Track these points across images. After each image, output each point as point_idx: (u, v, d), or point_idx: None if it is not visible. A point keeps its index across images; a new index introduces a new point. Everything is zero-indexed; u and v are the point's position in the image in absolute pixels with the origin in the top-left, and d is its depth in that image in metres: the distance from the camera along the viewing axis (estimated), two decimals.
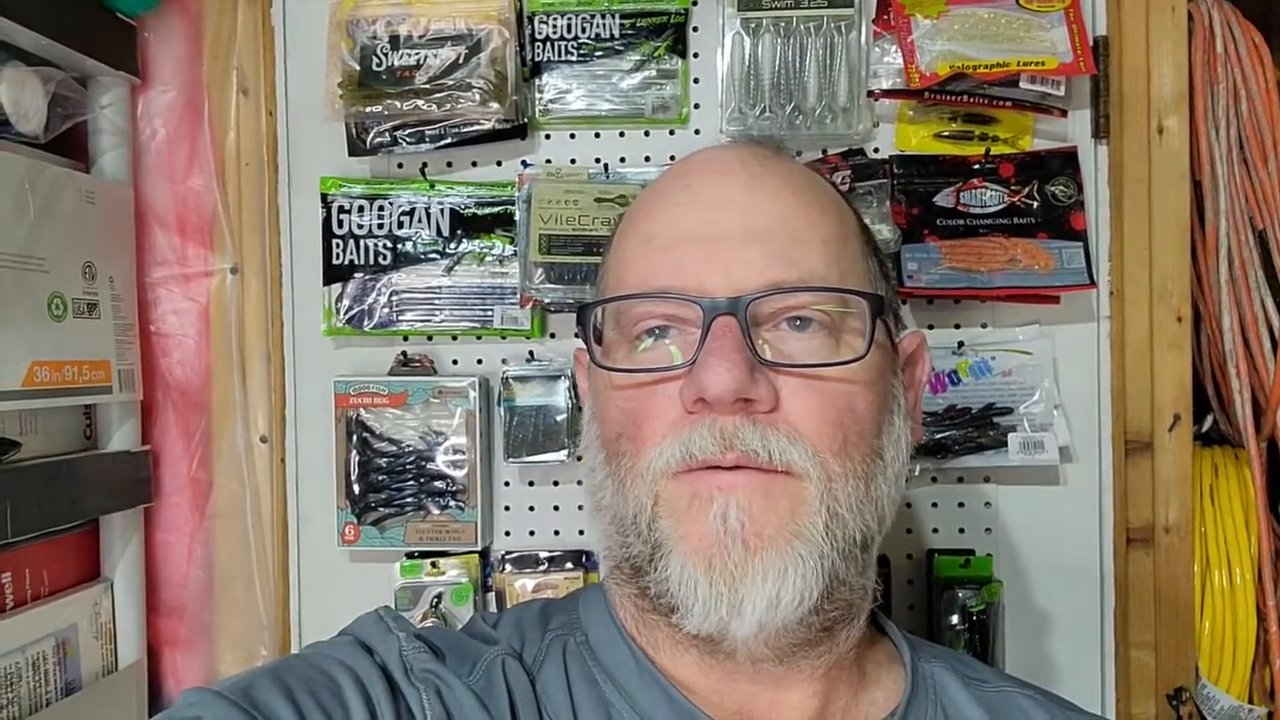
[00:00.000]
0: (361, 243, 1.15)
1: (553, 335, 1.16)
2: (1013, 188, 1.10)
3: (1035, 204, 1.10)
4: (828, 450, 0.59)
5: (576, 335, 1.14)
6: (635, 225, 0.67)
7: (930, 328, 1.14)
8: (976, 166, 1.11)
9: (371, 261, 1.15)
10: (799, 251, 0.61)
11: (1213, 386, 1.21)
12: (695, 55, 1.15)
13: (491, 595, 1.15)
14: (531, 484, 1.17)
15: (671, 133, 1.16)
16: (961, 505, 1.15)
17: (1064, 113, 1.12)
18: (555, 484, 1.16)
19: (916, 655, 0.71)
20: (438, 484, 1.13)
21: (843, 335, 0.62)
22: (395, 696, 0.60)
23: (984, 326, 1.14)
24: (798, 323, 0.61)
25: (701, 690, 0.64)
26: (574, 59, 1.15)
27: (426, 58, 1.12)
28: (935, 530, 1.15)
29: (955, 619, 1.09)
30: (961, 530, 1.15)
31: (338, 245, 1.15)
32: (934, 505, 1.15)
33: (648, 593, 0.62)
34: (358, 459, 1.13)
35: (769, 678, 0.63)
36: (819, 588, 0.58)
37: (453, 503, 1.13)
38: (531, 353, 1.15)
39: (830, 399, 0.60)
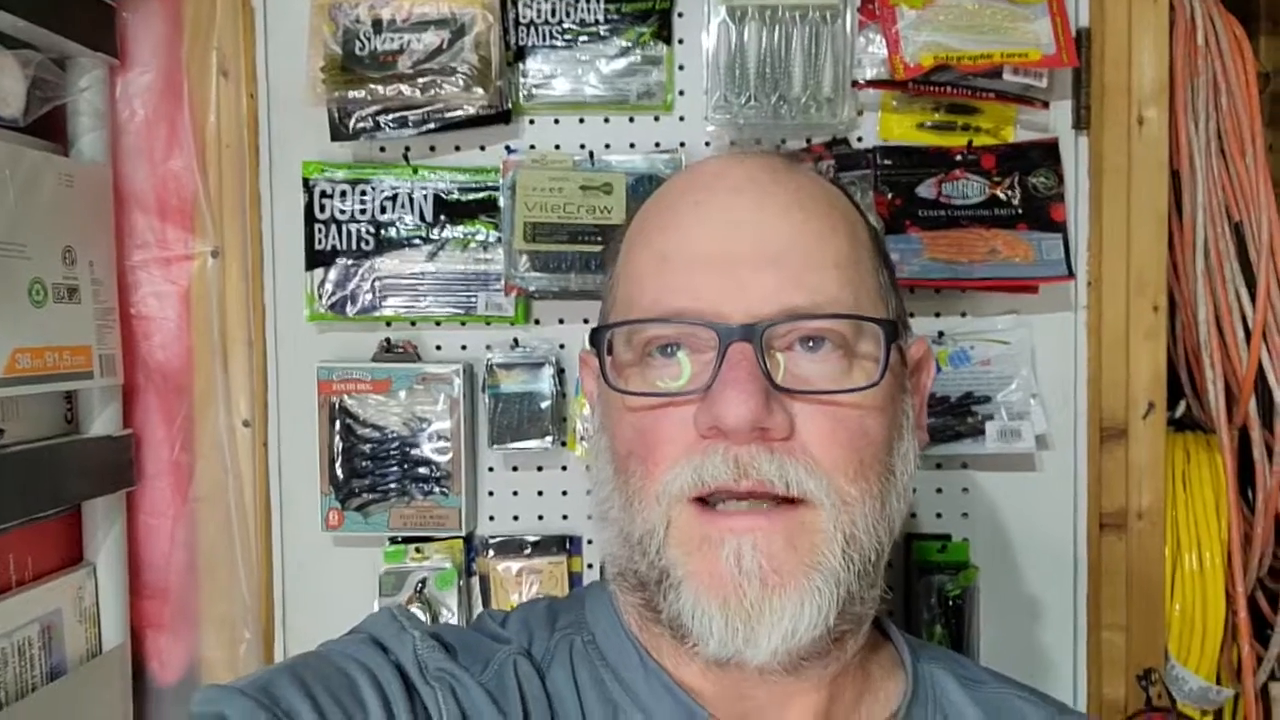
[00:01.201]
0: (344, 227, 1.15)
1: (537, 321, 1.17)
2: (994, 179, 1.11)
3: (1016, 195, 1.11)
4: (843, 476, 0.59)
5: (561, 322, 1.16)
6: (648, 240, 0.66)
7: (911, 316, 1.14)
8: (959, 158, 1.12)
9: (354, 247, 1.15)
10: (812, 275, 0.61)
11: (1186, 374, 1.23)
12: (680, 41, 1.15)
13: (475, 580, 1.16)
14: (515, 469, 1.17)
15: (656, 119, 1.15)
16: (939, 491, 1.16)
17: (1046, 104, 1.12)
18: (539, 470, 1.17)
19: (916, 657, 0.72)
20: (422, 470, 1.14)
21: (856, 356, 0.62)
22: (411, 695, 0.61)
23: (963, 316, 1.15)
24: (811, 343, 0.61)
25: (707, 693, 0.65)
26: (558, 44, 1.14)
27: (410, 42, 1.11)
28: (913, 515, 1.17)
29: (933, 602, 1.11)
30: (939, 516, 1.17)
31: (320, 230, 1.15)
32: (912, 491, 1.16)
33: (655, 609, 0.63)
34: (341, 445, 1.13)
35: (776, 687, 0.64)
36: (835, 612, 0.59)
37: (437, 488, 1.13)
38: (516, 339, 1.15)
39: (844, 424, 0.60)
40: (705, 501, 0.60)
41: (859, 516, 0.60)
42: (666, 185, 0.71)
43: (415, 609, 1.12)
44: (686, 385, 0.61)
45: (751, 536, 0.58)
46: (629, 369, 0.65)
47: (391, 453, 1.13)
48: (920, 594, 1.12)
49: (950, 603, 1.11)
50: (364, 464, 1.13)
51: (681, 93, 1.15)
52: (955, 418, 1.12)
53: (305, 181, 1.15)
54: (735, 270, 0.61)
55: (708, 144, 1.15)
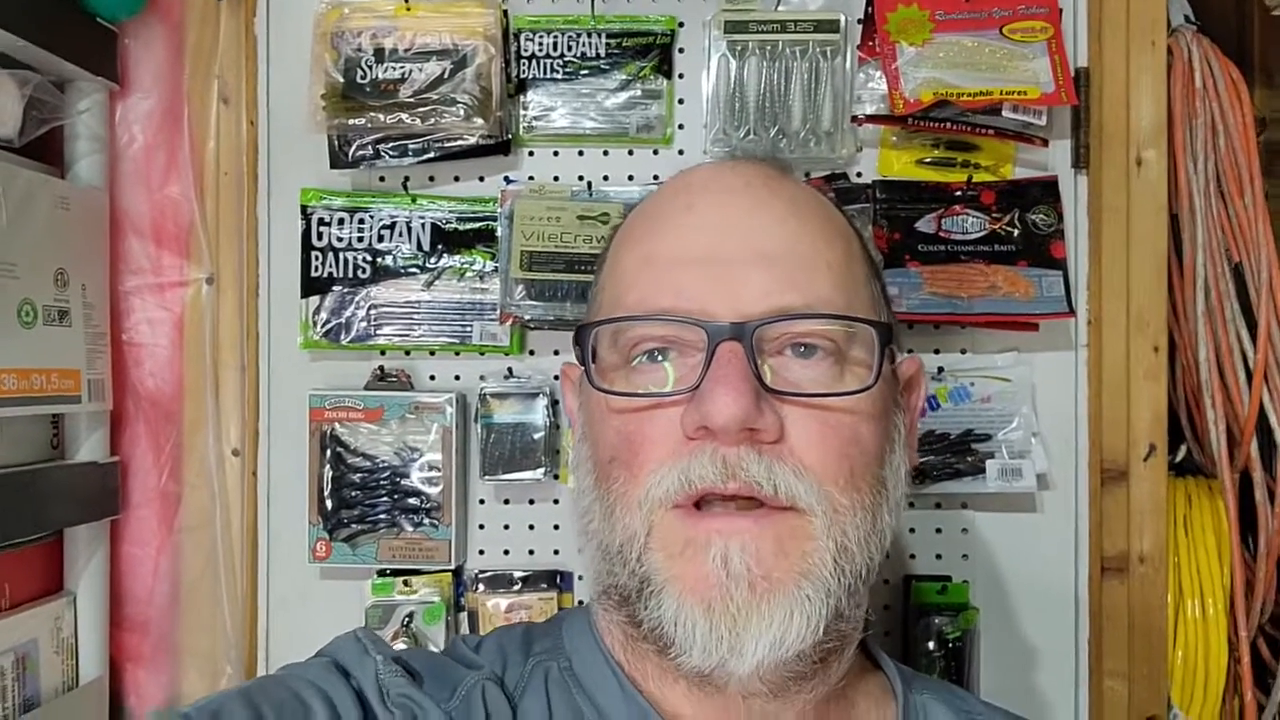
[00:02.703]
0: (341, 255, 1.14)
1: (532, 352, 1.15)
2: (994, 215, 1.11)
3: (1016, 231, 1.11)
4: (833, 484, 0.58)
5: (556, 353, 1.14)
6: (635, 243, 0.65)
7: (910, 352, 1.14)
8: (958, 193, 1.12)
9: (350, 275, 1.14)
10: (805, 276, 0.60)
11: (1186, 417, 1.22)
12: (681, 76, 1.15)
13: (464, 615, 1.14)
14: (507, 502, 1.15)
15: (655, 152, 1.16)
16: (939, 531, 1.14)
17: (1045, 142, 1.13)
18: (531, 502, 1.15)
19: (908, 686, 0.70)
20: (412, 501, 1.12)
21: (847, 363, 0.61)
22: None
23: (963, 352, 1.14)
24: (803, 349, 0.60)
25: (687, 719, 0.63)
26: (559, 77, 1.14)
27: (411, 71, 1.11)
28: (912, 556, 1.15)
29: (932, 645, 1.09)
30: (939, 556, 1.15)
31: (316, 258, 1.14)
32: (911, 531, 1.14)
33: (638, 624, 0.60)
34: (331, 474, 1.12)
35: (759, 713, 0.62)
36: (823, 625, 0.57)
37: (427, 520, 1.11)
38: (510, 369, 1.14)
39: (836, 429, 0.59)
40: (691, 508, 0.58)
41: (850, 527, 0.58)
42: (656, 191, 0.70)
43: (401, 643, 1.09)
44: (673, 387, 0.60)
45: (740, 539, 0.56)
46: (613, 373, 0.63)
47: (381, 483, 1.12)
48: (919, 636, 1.10)
49: (950, 645, 1.09)
50: (353, 494, 1.12)
51: (681, 126, 1.15)
52: (955, 455, 1.10)
53: (303, 209, 1.14)
54: (726, 270, 0.60)
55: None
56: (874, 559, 0.60)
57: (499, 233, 1.13)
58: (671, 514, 0.58)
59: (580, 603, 1.15)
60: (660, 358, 0.61)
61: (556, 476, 1.13)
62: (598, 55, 1.14)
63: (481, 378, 1.14)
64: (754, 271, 0.60)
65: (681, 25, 1.15)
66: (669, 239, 0.63)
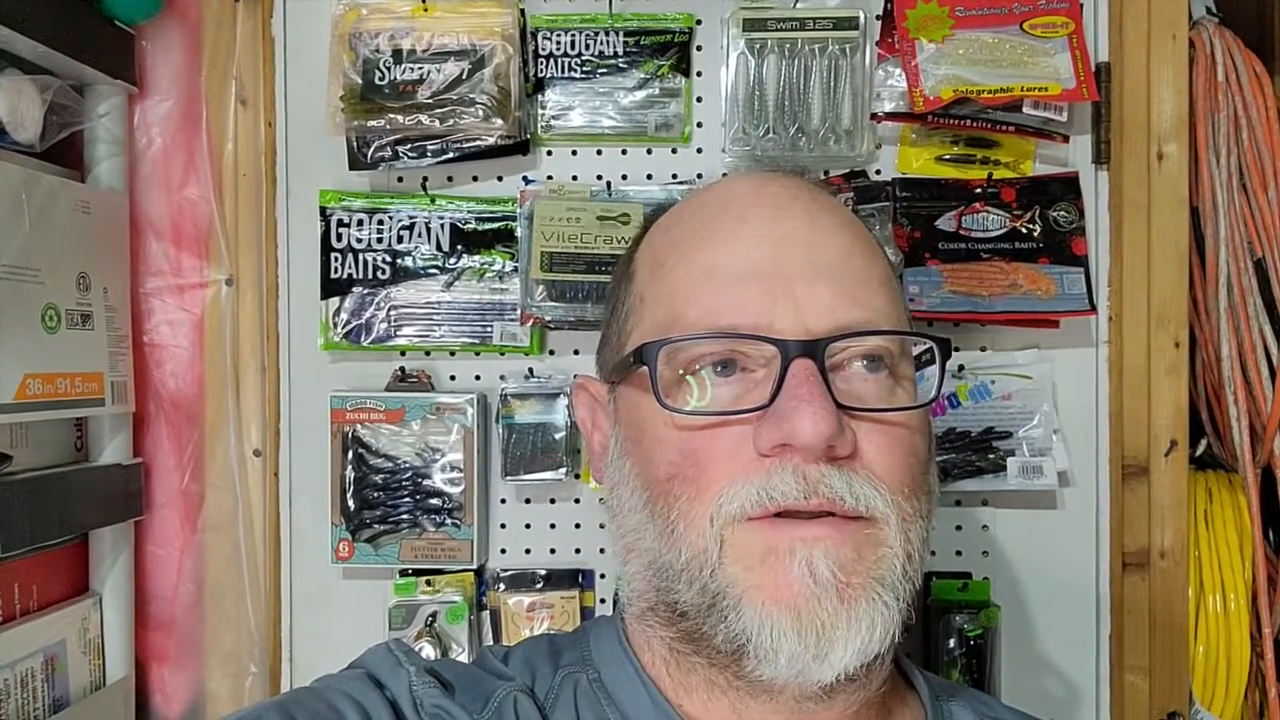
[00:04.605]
0: (360, 256, 1.14)
1: (552, 352, 1.16)
2: (1014, 212, 1.10)
3: (1037, 229, 1.10)
4: (900, 493, 0.58)
5: (576, 353, 1.15)
6: (687, 255, 0.64)
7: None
8: (978, 190, 1.11)
9: (370, 276, 1.14)
10: (864, 291, 0.61)
11: (1207, 412, 1.22)
12: (699, 74, 1.15)
13: (486, 614, 1.14)
14: (528, 501, 1.16)
15: (674, 151, 1.15)
16: (959, 528, 1.15)
17: (1066, 138, 1.12)
18: (552, 502, 1.16)
19: (936, 694, 0.70)
20: (434, 501, 1.12)
21: (899, 376, 0.62)
22: None
23: (983, 350, 1.14)
24: (868, 363, 0.61)
25: None
26: (577, 76, 1.14)
27: (430, 72, 1.11)
28: (933, 553, 1.15)
29: (952, 643, 1.09)
30: (959, 554, 1.15)
31: (336, 259, 1.14)
32: (931, 528, 1.14)
33: (696, 639, 0.60)
34: (353, 475, 1.12)
35: (800, 719, 0.61)
36: (898, 631, 0.57)
37: (449, 520, 1.12)
38: (531, 370, 1.14)
39: (899, 442, 0.59)
40: (770, 518, 0.57)
41: (914, 534, 0.59)
42: (692, 202, 0.69)
43: (425, 643, 1.10)
44: (739, 404, 0.59)
45: (823, 546, 0.56)
46: (671, 388, 0.62)
47: (403, 483, 1.12)
48: (939, 634, 1.10)
49: (970, 643, 1.09)
50: (375, 495, 1.12)
51: (700, 125, 1.15)
52: (976, 453, 1.10)
53: (322, 210, 1.15)
54: (789, 285, 0.60)
55: (724, 175, 1.14)
56: (923, 566, 0.61)
57: (518, 233, 1.13)
58: (746, 526, 0.57)
59: (602, 601, 1.15)
60: (724, 373, 0.61)
61: (578, 476, 1.13)
62: (615, 54, 1.14)
63: (502, 378, 1.14)
64: (816, 287, 0.60)
65: (699, 23, 1.15)
66: (726, 252, 0.62)
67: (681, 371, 0.61)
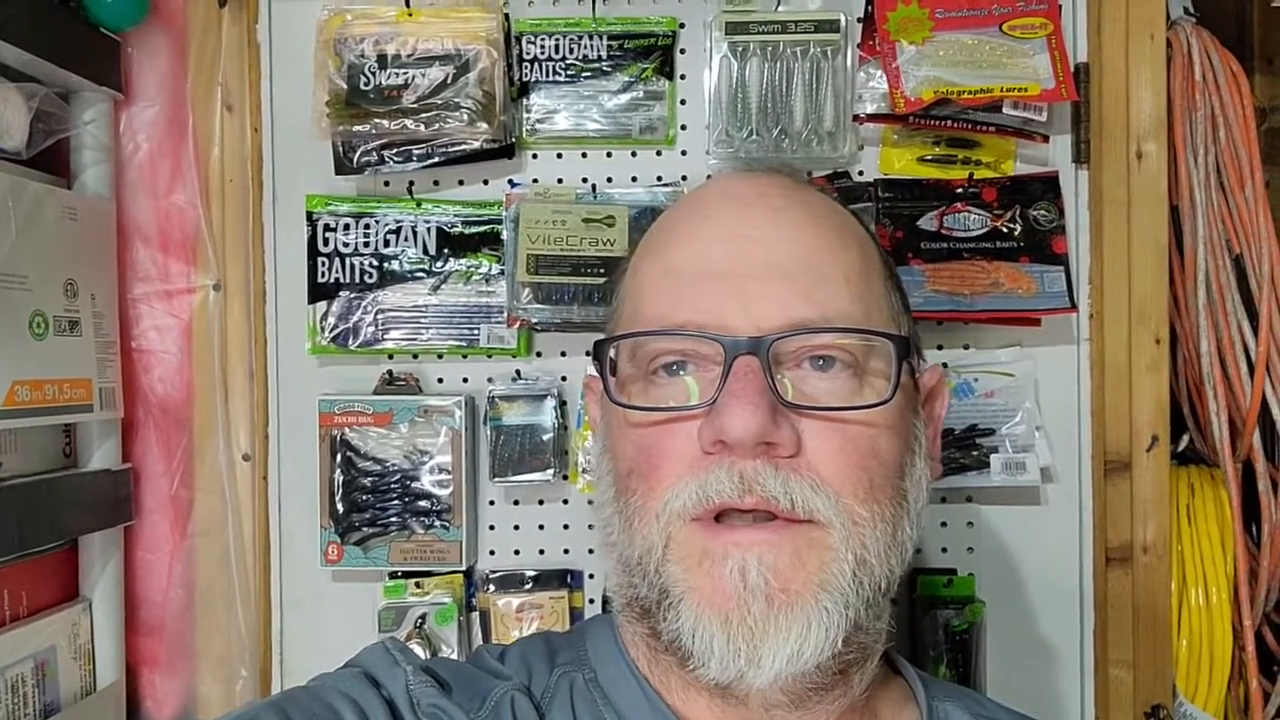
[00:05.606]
0: (347, 261, 1.15)
1: (539, 354, 1.16)
2: (995, 211, 1.12)
3: (1018, 228, 1.11)
4: (852, 496, 0.58)
5: (563, 355, 1.15)
6: (653, 256, 0.65)
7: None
8: (960, 190, 1.12)
9: (357, 280, 1.15)
10: (822, 289, 0.60)
11: (1188, 407, 1.23)
12: (683, 77, 1.16)
13: (475, 615, 1.15)
14: (517, 503, 1.16)
15: (658, 153, 1.16)
16: (944, 525, 1.16)
17: (1045, 138, 1.13)
18: (541, 503, 1.16)
19: (930, 694, 0.70)
20: (422, 503, 1.13)
21: (866, 375, 0.61)
22: None
23: (966, 348, 1.15)
24: (820, 362, 0.60)
25: None
26: (562, 79, 1.15)
27: (415, 77, 1.12)
28: (918, 550, 1.15)
29: (939, 638, 1.10)
30: (944, 550, 1.16)
31: (323, 263, 1.15)
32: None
33: (658, 635, 0.61)
34: (342, 478, 1.13)
35: None
36: (841, 638, 0.57)
37: (437, 522, 1.12)
38: (518, 371, 1.15)
39: (854, 442, 0.59)
40: (709, 521, 0.58)
41: (870, 539, 0.58)
42: (677, 203, 0.70)
43: (415, 645, 1.10)
44: (691, 400, 0.60)
45: (757, 551, 0.56)
46: (632, 386, 0.63)
47: (392, 486, 1.13)
48: (926, 629, 1.11)
49: (956, 638, 1.10)
50: (364, 497, 1.13)
51: (684, 127, 1.16)
52: (960, 450, 1.11)
53: (309, 215, 1.15)
54: (742, 283, 0.60)
55: (709, 177, 1.15)
56: (894, 571, 0.60)
57: (504, 236, 1.14)
58: (690, 526, 0.58)
59: (591, 601, 1.16)
60: (679, 371, 0.61)
61: (566, 477, 1.14)
62: (599, 57, 1.15)
63: (489, 380, 1.15)
64: (771, 285, 0.60)
65: (682, 26, 1.15)
66: (685, 251, 0.63)
67: (644, 369, 0.62)
